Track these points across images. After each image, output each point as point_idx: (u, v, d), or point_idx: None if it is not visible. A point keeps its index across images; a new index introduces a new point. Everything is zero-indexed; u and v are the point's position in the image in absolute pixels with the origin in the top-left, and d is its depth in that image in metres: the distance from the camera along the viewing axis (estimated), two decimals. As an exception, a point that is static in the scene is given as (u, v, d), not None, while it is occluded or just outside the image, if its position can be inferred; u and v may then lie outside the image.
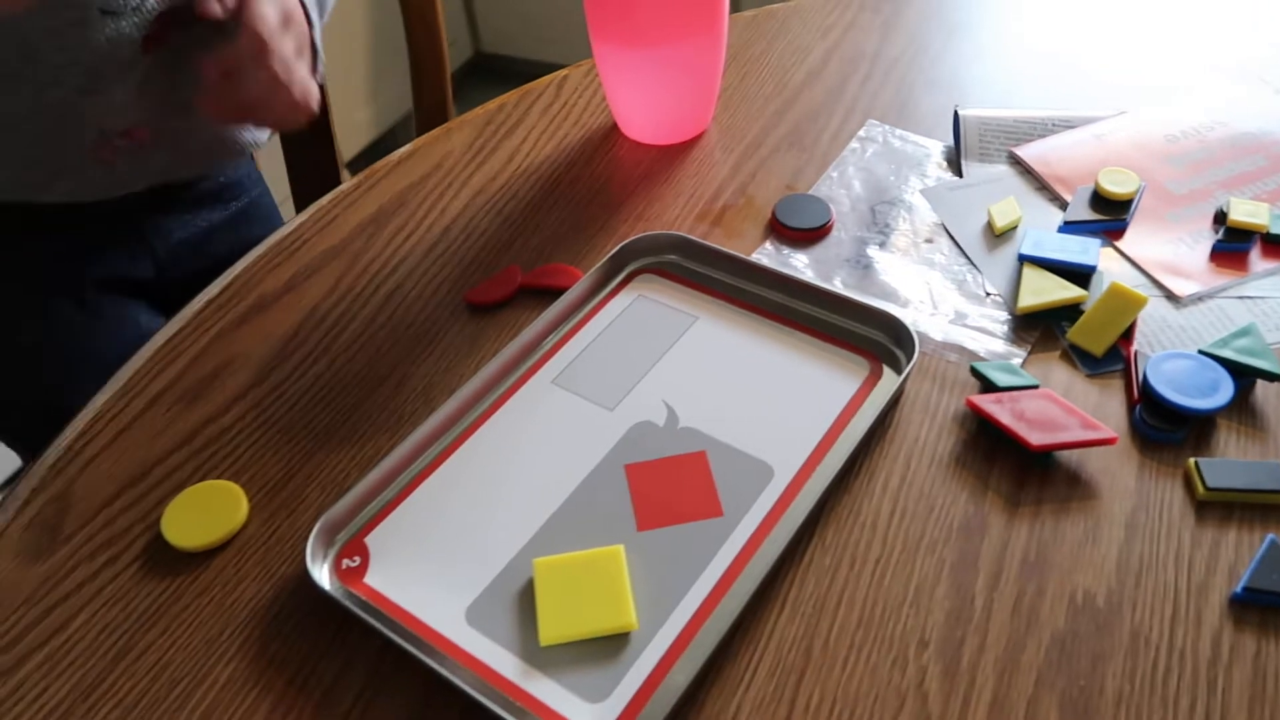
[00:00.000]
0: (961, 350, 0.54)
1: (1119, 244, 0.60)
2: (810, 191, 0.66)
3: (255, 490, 0.50)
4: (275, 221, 0.89)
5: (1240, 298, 0.56)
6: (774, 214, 0.63)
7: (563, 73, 0.80)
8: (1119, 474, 0.48)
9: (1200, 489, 0.46)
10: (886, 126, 0.72)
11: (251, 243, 0.65)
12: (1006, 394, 0.50)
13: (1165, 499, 0.47)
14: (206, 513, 0.48)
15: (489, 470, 0.49)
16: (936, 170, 0.67)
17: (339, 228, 0.66)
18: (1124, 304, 0.53)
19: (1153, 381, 0.50)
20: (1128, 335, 0.54)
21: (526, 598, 0.44)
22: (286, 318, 0.60)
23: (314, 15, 0.67)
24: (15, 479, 0.52)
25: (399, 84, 1.65)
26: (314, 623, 0.44)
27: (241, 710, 0.41)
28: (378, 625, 0.42)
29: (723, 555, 0.45)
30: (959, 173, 0.67)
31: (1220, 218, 0.61)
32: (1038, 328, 0.55)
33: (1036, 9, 0.84)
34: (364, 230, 0.66)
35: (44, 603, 0.46)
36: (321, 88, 0.91)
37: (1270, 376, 0.50)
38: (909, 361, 0.51)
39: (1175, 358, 0.51)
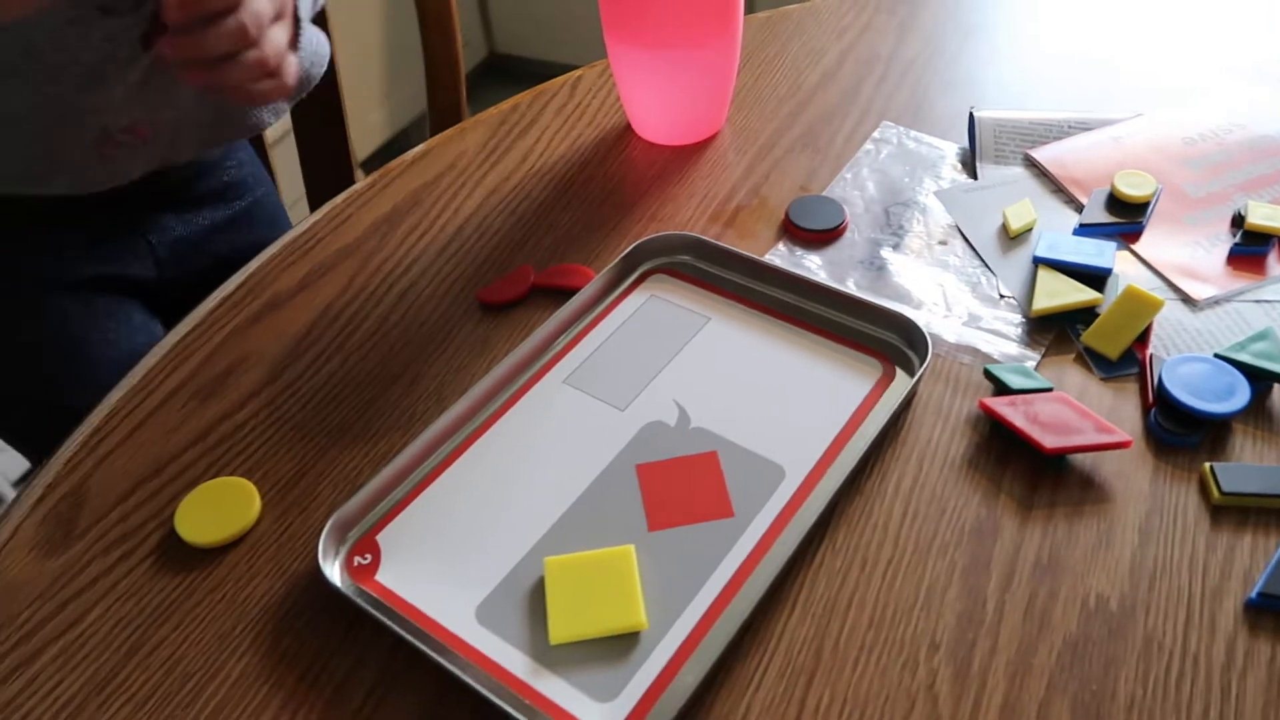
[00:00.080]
0: (975, 352, 0.54)
1: (1135, 247, 0.60)
2: (824, 193, 0.66)
3: (268, 487, 0.50)
4: (279, 222, 0.89)
5: (1257, 301, 0.56)
6: (787, 215, 0.63)
7: (577, 73, 0.80)
8: (1133, 478, 0.48)
9: (1215, 493, 0.46)
10: (901, 128, 0.71)
11: (254, 243, 0.64)
12: (1020, 396, 0.49)
13: (1180, 503, 0.47)
14: (219, 509, 0.48)
15: (500, 469, 0.49)
16: (951, 172, 0.67)
17: (353, 227, 0.66)
18: (1139, 307, 0.53)
19: (1168, 385, 0.49)
20: (1143, 339, 0.53)
21: (537, 596, 0.44)
22: (300, 316, 0.60)
23: None
24: (29, 476, 0.53)
25: (413, 84, 1.66)
26: (325, 619, 0.44)
27: (253, 705, 0.42)
28: (389, 623, 0.42)
29: (733, 556, 0.45)
30: (974, 175, 0.67)
31: (1238, 221, 0.60)
32: (1052, 330, 0.55)
33: (1053, 11, 0.83)
34: (378, 229, 0.66)
35: (59, 597, 0.46)
36: (335, 87, 0.92)
37: (1287, 381, 0.50)
38: (922, 363, 0.51)
39: (1191, 361, 0.50)
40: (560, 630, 0.42)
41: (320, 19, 0.88)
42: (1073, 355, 0.54)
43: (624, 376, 0.53)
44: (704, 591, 0.43)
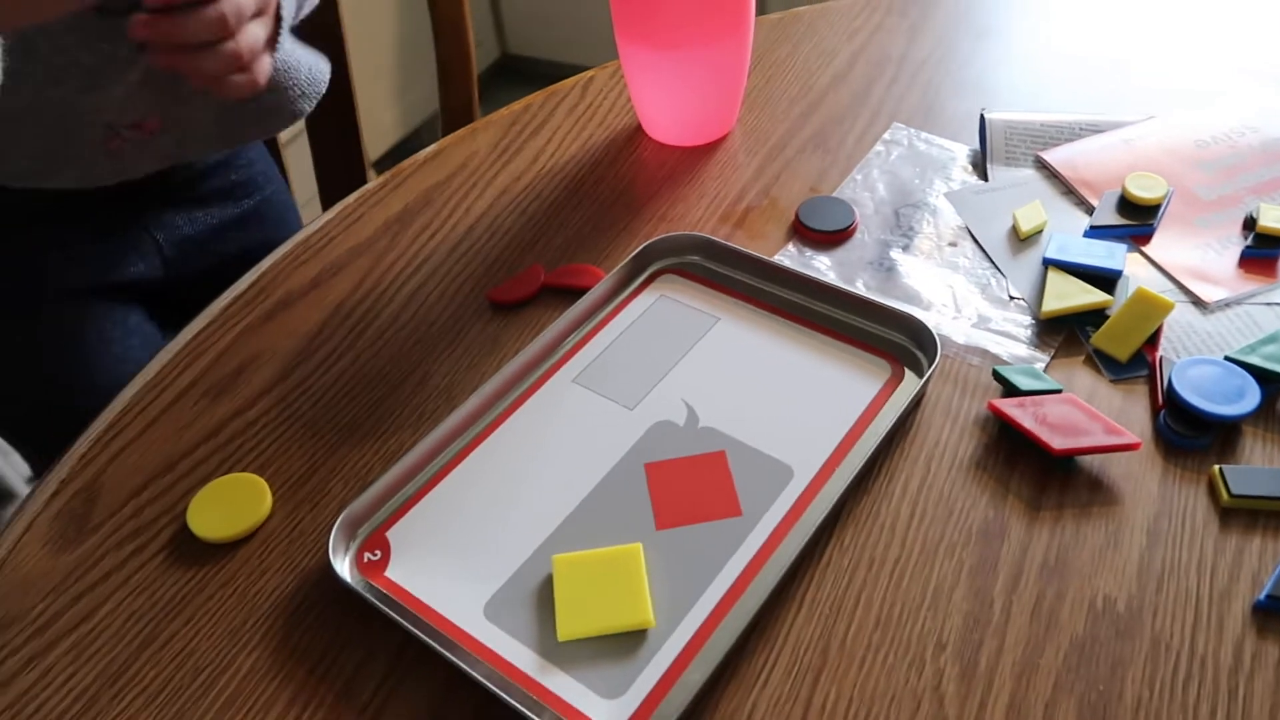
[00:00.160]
0: (984, 354, 0.54)
1: (1146, 249, 0.60)
2: (834, 194, 0.66)
3: (279, 484, 0.50)
4: (288, 221, 0.88)
5: (1268, 304, 0.56)
6: (797, 216, 0.63)
7: (588, 74, 0.81)
8: (1142, 480, 0.48)
9: (1224, 496, 0.46)
10: (912, 130, 0.71)
11: (261, 242, 0.64)
12: (1029, 398, 0.49)
13: (1188, 505, 0.47)
14: (231, 505, 0.49)
15: (510, 467, 0.50)
16: (961, 174, 0.67)
17: (365, 226, 0.67)
18: (1149, 309, 0.53)
19: (1178, 387, 0.49)
20: (1153, 341, 0.53)
21: (545, 594, 0.44)
22: (312, 314, 0.60)
23: None
24: (43, 472, 0.53)
25: (426, 85, 1.66)
26: (335, 614, 0.45)
27: (264, 699, 0.42)
28: (398, 618, 0.42)
29: (741, 555, 0.45)
30: (984, 176, 0.67)
31: (1250, 224, 0.60)
32: (1061, 332, 0.55)
33: (1065, 13, 0.83)
34: (389, 229, 0.66)
35: (72, 591, 0.46)
36: (348, 87, 0.92)
37: (1297, 384, 0.50)
38: (930, 364, 0.51)
39: (1201, 364, 0.50)
40: (568, 627, 0.42)
41: (333, 19, 0.89)
42: (1082, 357, 0.54)
43: (633, 376, 0.54)
44: (711, 590, 0.44)
